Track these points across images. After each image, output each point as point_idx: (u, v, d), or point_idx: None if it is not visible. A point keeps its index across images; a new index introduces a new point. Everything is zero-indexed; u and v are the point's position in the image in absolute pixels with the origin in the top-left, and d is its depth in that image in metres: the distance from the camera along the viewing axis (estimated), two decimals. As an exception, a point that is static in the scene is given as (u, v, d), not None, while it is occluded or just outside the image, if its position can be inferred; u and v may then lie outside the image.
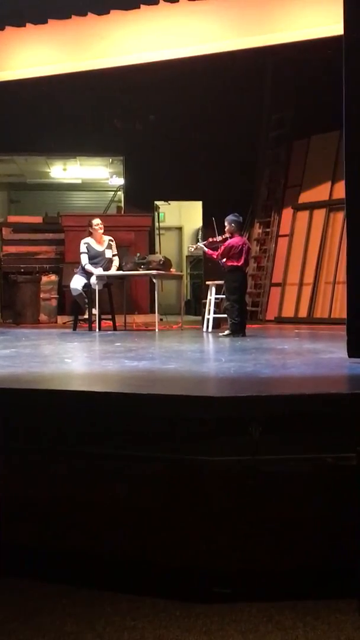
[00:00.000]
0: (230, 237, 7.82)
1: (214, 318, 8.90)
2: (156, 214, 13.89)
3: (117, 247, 9.69)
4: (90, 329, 9.14)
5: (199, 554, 2.85)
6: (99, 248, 9.41)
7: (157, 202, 14.03)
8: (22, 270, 12.32)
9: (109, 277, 9.37)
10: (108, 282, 9.42)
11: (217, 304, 9.10)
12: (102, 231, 9.48)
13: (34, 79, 10.43)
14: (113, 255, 9.46)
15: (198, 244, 9.04)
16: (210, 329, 8.81)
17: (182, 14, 9.72)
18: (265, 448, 2.85)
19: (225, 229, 7.90)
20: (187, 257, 16.94)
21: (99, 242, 9.45)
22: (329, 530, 2.86)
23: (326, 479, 2.85)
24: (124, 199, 14.08)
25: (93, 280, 9.10)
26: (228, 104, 12.49)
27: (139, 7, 9.27)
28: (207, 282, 9.22)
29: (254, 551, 2.84)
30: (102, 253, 9.39)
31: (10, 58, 10.39)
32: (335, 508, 2.85)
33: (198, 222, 14.82)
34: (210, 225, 8.58)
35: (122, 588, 2.84)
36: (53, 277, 12.18)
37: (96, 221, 9.52)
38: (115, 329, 9.38)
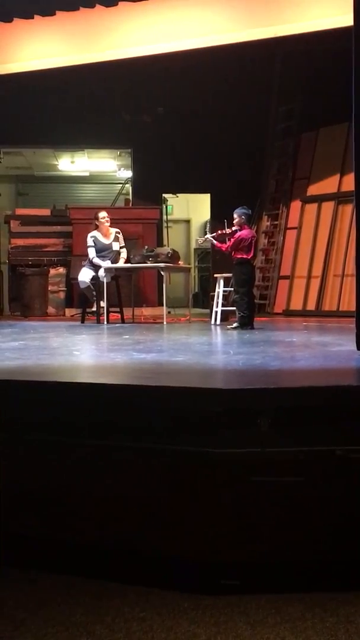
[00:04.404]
0: (240, 230, 7.81)
1: (221, 311, 8.89)
2: (164, 206, 13.86)
3: (125, 239, 9.68)
4: (98, 321, 9.15)
5: (207, 546, 2.85)
6: (105, 241, 9.40)
7: (165, 195, 14.00)
8: (30, 262, 12.33)
9: (117, 269, 9.37)
10: (116, 275, 9.42)
11: (225, 297, 9.09)
12: (108, 224, 9.47)
13: (41, 71, 10.43)
14: (120, 248, 9.46)
15: (207, 236, 9.03)
16: (218, 322, 8.80)
17: (190, 6, 9.69)
18: (274, 440, 2.85)
19: (234, 222, 7.88)
20: (195, 249, 16.92)
21: (105, 235, 9.44)
22: (338, 523, 2.86)
23: (335, 471, 2.85)
24: (132, 192, 14.06)
25: (101, 272, 9.10)
26: (236, 96, 12.45)
27: (147, -1, 9.26)
28: (215, 275, 9.21)
29: (262, 543, 2.84)
30: (109, 246, 9.39)
31: (18, 50, 10.38)
32: (345, 500, 2.85)
33: (206, 215, 14.79)
34: (219, 219, 8.55)
35: (130, 579, 2.85)
36: (61, 270, 12.19)
37: (102, 214, 9.51)
38: (123, 321, 9.39)
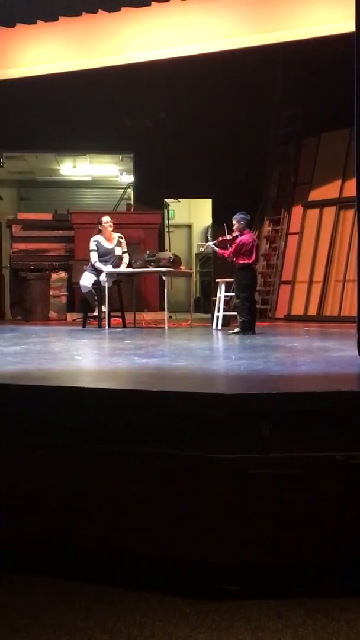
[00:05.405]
0: (240, 235, 7.82)
1: (223, 316, 8.89)
2: (166, 211, 13.87)
3: (127, 244, 9.69)
4: (100, 326, 9.14)
5: (208, 551, 2.85)
6: (108, 245, 9.41)
7: (166, 200, 14.02)
8: (32, 267, 12.34)
9: (118, 274, 9.37)
10: (118, 280, 9.43)
11: (227, 302, 9.09)
12: (111, 229, 9.48)
13: (44, 76, 10.44)
14: (123, 253, 9.46)
15: (208, 243, 9.03)
16: (219, 327, 8.80)
17: (192, 12, 9.71)
18: (275, 445, 2.84)
19: (234, 227, 7.89)
20: (196, 254, 16.92)
21: (108, 239, 9.45)
22: (339, 528, 2.85)
23: (336, 476, 2.84)
24: (134, 197, 14.08)
25: (103, 277, 9.10)
26: (238, 101, 12.48)
27: (149, 5, 9.26)
28: (217, 280, 9.22)
29: (263, 548, 2.84)
30: (112, 250, 9.39)
31: (21, 55, 10.41)
32: (346, 505, 2.84)
33: (208, 220, 14.80)
34: (221, 224, 8.55)
35: (131, 585, 2.84)
36: (63, 274, 12.19)
37: (106, 219, 9.52)
38: (124, 326, 9.39)
